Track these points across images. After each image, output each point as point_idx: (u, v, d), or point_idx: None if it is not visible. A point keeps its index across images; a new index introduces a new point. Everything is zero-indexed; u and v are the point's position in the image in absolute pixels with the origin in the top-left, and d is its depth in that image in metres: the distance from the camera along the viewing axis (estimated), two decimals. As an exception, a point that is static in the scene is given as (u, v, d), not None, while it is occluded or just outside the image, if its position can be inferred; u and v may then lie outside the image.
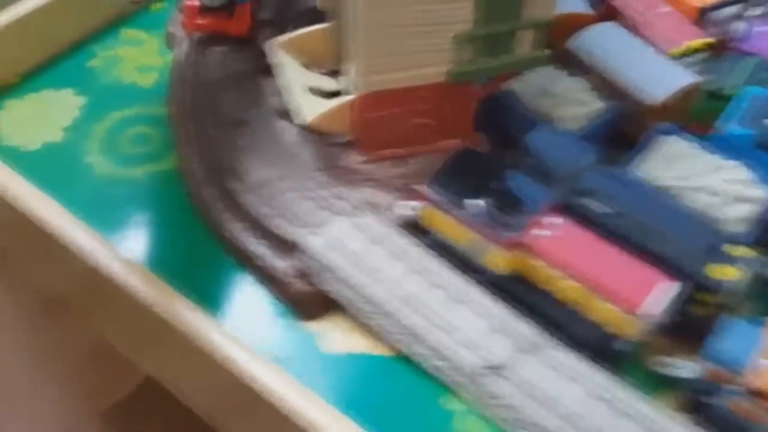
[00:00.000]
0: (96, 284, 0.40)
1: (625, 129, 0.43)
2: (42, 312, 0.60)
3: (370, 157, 0.41)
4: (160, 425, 0.69)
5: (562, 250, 0.34)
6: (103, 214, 0.41)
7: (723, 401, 0.32)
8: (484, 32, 0.37)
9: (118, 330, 0.46)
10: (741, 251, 0.35)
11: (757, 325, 0.33)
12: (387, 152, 0.41)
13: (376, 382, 0.35)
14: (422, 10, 0.35)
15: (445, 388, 0.35)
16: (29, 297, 0.58)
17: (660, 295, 0.33)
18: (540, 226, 0.35)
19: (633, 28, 0.47)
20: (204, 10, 0.47)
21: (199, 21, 0.47)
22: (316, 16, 0.45)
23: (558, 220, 0.35)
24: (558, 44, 0.45)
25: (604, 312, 0.34)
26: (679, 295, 0.34)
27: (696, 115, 0.44)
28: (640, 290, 0.33)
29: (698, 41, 0.45)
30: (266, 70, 0.46)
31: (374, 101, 0.39)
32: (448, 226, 0.36)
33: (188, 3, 0.47)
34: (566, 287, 0.35)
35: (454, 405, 0.35)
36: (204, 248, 0.40)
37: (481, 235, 0.35)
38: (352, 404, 0.34)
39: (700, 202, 0.37)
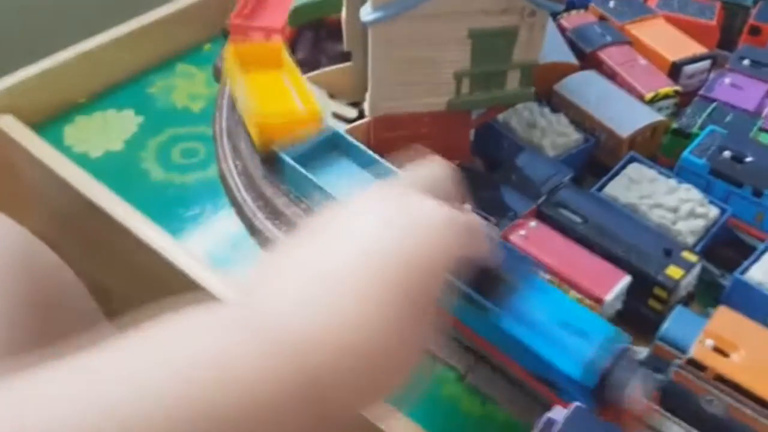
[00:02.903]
0: (150, 269, 0.47)
1: (601, 158, 0.50)
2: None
3: (381, 171, 0.48)
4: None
5: (535, 246, 0.41)
6: (157, 210, 0.49)
7: (668, 373, 0.38)
8: (479, 70, 0.45)
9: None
10: (691, 257, 0.42)
11: (703, 317, 0.39)
12: (396, 168, 0.48)
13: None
14: (424, 51, 0.43)
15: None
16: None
17: (618, 288, 0.40)
18: (519, 227, 0.42)
19: (612, 76, 0.55)
20: None
21: None
22: (341, 57, 0.54)
23: (533, 222, 0.42)
24: (547, 86, 0.53)
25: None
26: (633, 287, 0.40)
27: (665, 150, 0.52)
28: (604, 283, 0.40)
29: (667, 89, 0.53)
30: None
31: (385, 124, 0.46)
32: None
33: None
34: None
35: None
36: (240, 241, 0.47)
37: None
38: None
39: (658, 216, 0.44)
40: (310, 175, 0.42)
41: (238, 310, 0.25)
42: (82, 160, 0.52)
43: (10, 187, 0.56)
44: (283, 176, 0.45)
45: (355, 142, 0.45)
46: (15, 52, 0.58)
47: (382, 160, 0.43)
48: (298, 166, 0.43)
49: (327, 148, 0.45)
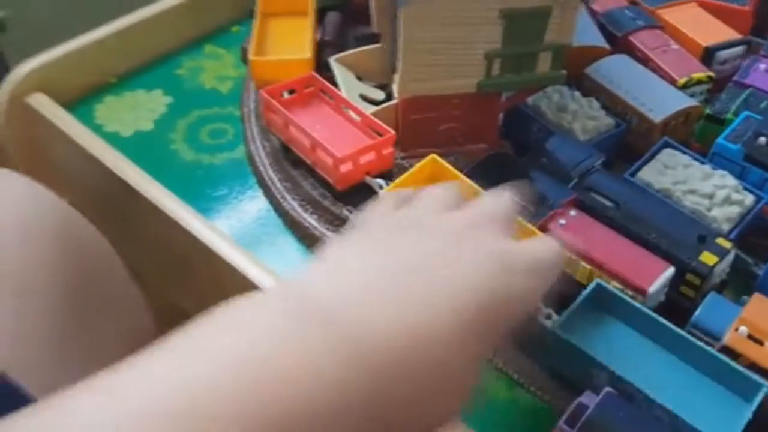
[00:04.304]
0: (180, 248, 0.47)
1: (633, 143, 0.50)
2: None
3: (408, 153, 0.48)
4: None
5: (576, 237, 0.40)
6: (185, 190, 0.49)
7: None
8: (511, 51, 0.44)
9: (195, 295, 0.53)
10: (726, 244, 0.41)
11: (738, 305, 0.39)
12: (423, 150, 0.48)
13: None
14: (456, 31, 0.42)
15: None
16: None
17: (662, 279, 0.39)
18: (559, 216, 0.41)
19: (644, 61, 0.54)
20: None
21: None
22: (368, 39, 0.53)
23: (573, 212, 0.42)
24: (577, 70, 0.52)
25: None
26: (673, 277, 0.39)
27: (698, 136, 0.51)
28: (647, 274, 0.39)
29: (700, 74, 0.52)
30: (329, 81, 0.54)
31: (414, 105, 0.46)
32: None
33: None
34: (583, 270, 0.40)
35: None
36: (267, 221, 0.47)
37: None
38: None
39: (693, 202, 0.44)
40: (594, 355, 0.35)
41: (300, 301, 0.24)
42: (113, 139, 0.53)
43: (41, 165, 0.56)
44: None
45: (627, 299, 0.38)
46: (45, 32, 0.59)
47: (661, 320, 0.37)
48: (574, 342, 0.36)
49: (590, 308, 0.38)
